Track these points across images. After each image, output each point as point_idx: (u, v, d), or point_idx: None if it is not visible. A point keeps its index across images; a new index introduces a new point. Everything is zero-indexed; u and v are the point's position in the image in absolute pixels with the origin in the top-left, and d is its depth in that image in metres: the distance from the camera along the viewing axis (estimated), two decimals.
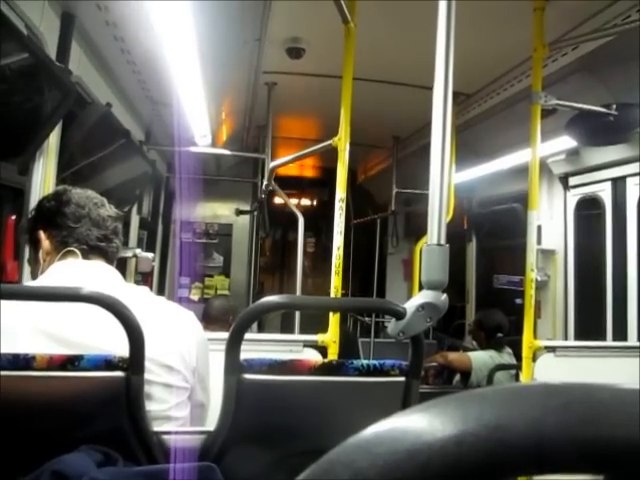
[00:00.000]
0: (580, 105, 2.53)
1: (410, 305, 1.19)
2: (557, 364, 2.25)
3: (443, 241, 1.19)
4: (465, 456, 0.21)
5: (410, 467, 0.21)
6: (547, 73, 2.57)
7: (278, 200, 6.14)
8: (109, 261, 1.36)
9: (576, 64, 2.69)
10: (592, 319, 3.50)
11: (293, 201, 5.86)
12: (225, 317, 3.19)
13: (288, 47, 2.92)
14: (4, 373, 1.03)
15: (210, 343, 1.36)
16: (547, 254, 3.82)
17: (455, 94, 3.43)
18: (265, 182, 3.71)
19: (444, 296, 1.21)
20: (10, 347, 1.07)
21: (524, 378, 2.26)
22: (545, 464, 0.22)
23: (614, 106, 2.52)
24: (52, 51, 2.02)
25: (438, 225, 1.19)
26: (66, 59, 2.05)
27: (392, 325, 1.21)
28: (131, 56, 2.82)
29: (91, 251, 1.33)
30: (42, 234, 1.34)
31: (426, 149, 1.24)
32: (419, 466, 0.21)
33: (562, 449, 0.22)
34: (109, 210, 1.39)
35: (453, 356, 3.75)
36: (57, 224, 1.33)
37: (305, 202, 7.13)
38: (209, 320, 3.15)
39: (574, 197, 3.68)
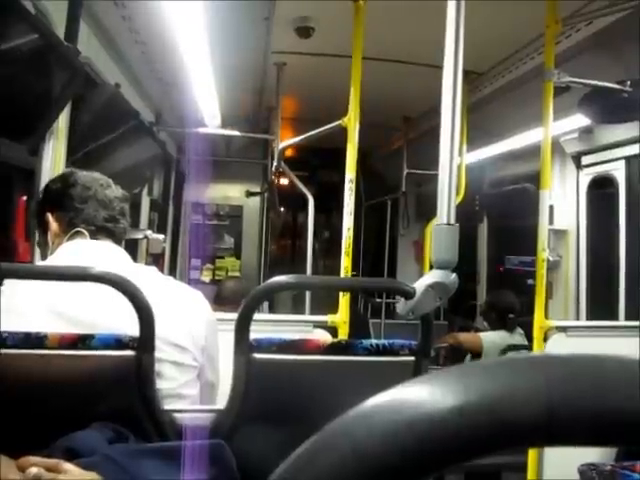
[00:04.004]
0: (594, 82, 2.48)
1: (419, 284, 1.19)
2: (568, 344, 2.24)
3: (453, 220, 1.19)
4: (467, 427, 0.21)
5: (409, 437, 0.21)
6: (560, 50, 2.52)
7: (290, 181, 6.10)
8: (117, 241, 1.36)
9: (590, 40, 2.63)
10: (604, 299, 3.47)
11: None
12: (237, 299, 3.20)
13: (297, 26, 2.88)
14: (16, 351, 1.05)
15: (220, 324, 1.36)
16: (559, 234, 3.78)
17: (466, 73, 3.37)
18: (275, 163, 3.69)
19: (453, 275, 1.20)
20: (22, 326, 1.08)
21: None
22: (552, 436, 0.21)
23: (629, 83, 2.47)
24: (60, 31, 2.00)
25: (448, 205, 1.18)
26: (74, 39, 2.04)
27: (401, 305, 1.21)
28: (140, 36, 2.80)
29: (98, 232, 1.33)
30: (50, 216, 1.35)
31: (438, 129, 1.23)
32: (418, 436, 0.21)
33: (570, 421, 0.21)
34: (115, 191, 1.39)
35: (464, 337, 3.74)
36: (64, 206, 1.33)
37: (316, 183, 7.08)
38: (221, 302, 3.16)
39: (587, 176, 3.63)
